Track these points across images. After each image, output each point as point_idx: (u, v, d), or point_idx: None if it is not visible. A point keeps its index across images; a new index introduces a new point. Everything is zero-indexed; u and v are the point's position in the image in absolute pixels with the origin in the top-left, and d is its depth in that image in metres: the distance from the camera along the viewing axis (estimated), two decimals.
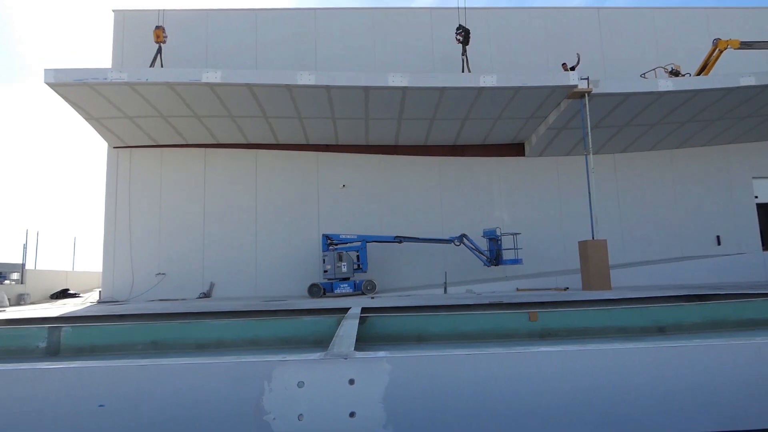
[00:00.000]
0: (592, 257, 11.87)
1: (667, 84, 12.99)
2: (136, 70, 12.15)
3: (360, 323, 4.51)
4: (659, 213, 16.54)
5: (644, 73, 15.00)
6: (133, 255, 14.89)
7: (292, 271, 15.02)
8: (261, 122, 14.11)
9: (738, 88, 12.96)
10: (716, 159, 16.89)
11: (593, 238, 12.38)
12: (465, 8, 15.58)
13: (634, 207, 16.50)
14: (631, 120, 14.48)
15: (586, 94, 12.67)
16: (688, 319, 4.84)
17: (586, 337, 4.62)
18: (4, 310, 11.00)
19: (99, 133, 14.42)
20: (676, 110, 14.02)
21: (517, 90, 12.63)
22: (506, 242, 14.42)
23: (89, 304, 12.98)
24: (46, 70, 11.49)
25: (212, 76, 11.75)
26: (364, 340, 4.36)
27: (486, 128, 15.06)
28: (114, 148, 15.21)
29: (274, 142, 15.52)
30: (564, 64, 14.27)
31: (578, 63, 13.69)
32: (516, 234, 14.41)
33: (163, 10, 14.75)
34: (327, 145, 15.92)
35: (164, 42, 14.01)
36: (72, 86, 11.73)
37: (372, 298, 11.34)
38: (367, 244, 14.07)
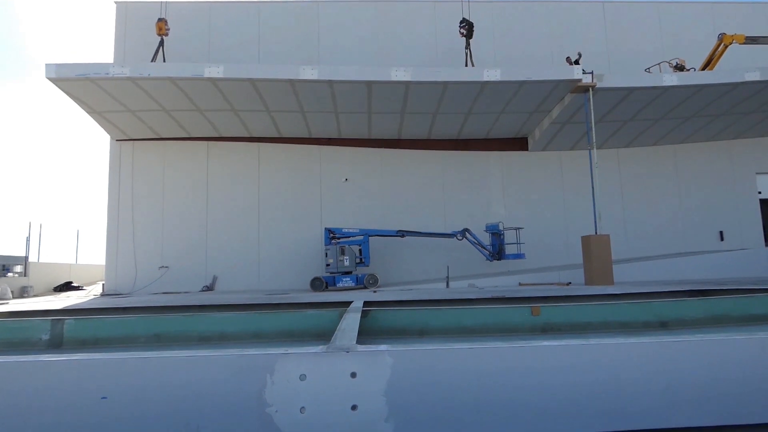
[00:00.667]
0: (595, 252, 11.85)
1: (671, 79, 12.90)
2: (138, 65, 12.11)
3: (362, 317, 4.52)
4: (662, 208, 16.49)
5: (649, 68, 14.89)
6: (136, 248, 14.93)
7: (294, 264, 15.05)
8: (264, 116, 14.09)
9: (743, 83, 12.87)
10: (720, 154, 16.80)
11: (596, 233, 12.36)
12: (469, 1, 15.47)
13: (637, 202, 16.44)
14: (635, 115, 14.40)
15: (590, 89, 12.60)
16: (691, 315, 4.83)
17: (589, 331, 4.62)
18: (7, 303, 11.07)
19: (101, 127, 14.42)
20: (681, 105, 13.94)
21: (521, 84, 12.56)
22: (509, 237, 14.40)
23: (92, 297, 13.04)
24: (47, 65, 11.46)
25: (214, 71, 11.71)
26: (366, 334, 4.36)
27: (489, 122, 15.01)
28: (116, 141, 15.22)
29: (277, 135, 15.51)
30: (568, 58, 14.18)
31: (580, 58, 13.61)
32: (518, 228, 14.39)
33: (166, 2, 14.68)
34: (329, 139, 15.90)
35: (166, 35, 13.96)
36: (74, 81, 11.71)
37: (374, 292, 11.36)
38: (370, 237, 14.07)
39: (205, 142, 15.58)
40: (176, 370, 2.19)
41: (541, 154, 16.34)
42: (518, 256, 14.01)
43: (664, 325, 4.76)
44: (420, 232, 14.37)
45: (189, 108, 13.42)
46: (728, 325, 4.82)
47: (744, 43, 14.13)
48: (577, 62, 13.49)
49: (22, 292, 14.99)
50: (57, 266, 18.46)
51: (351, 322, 3.49)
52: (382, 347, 2.35)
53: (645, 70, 14.75)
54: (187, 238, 15.15)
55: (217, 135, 15.40)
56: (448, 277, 13.45)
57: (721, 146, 16.81)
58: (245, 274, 15.02)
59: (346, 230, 14.07)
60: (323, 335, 3.95)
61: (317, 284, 13.19)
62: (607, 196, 15.47)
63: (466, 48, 14.43)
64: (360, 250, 13.86)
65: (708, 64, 14.38)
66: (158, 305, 7.53)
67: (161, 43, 13.87)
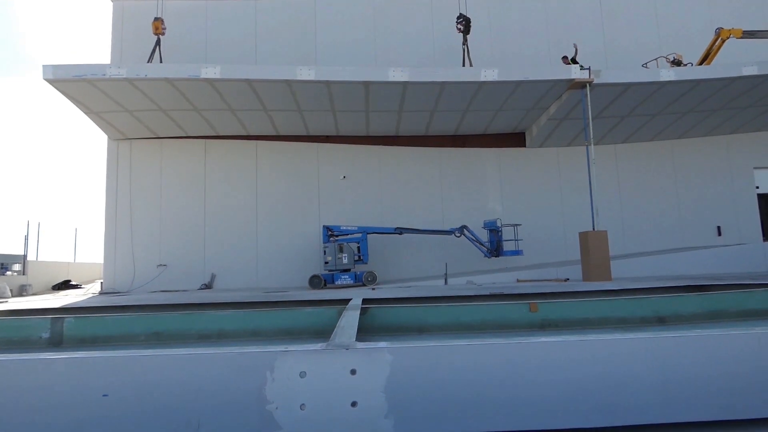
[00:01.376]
0: (593, 248, 11.89)
1: (668, 74, 12.92)
2: (135, 66, 12.09)
3: (361, 314, 4.53)
4: (660, 204, 16.53)
5: (646, 63, 14.91)
6: (134, 246, 14.92)
7: (293, 262, 15.06)
8: (261, 115, 14.07)
9: (740, 77, 12.90)
10: (717, 149, 16.84)
11: (594, 229, 12.39)
12: None
13: (634, 198, 16.48)
14: (633, 110, 14.42)
15: (588, 85, 12.61)
16: (688, 310, 4.85)
17: (587, 327, 4.64)
18: (6, 301, 11.05)
19: (99, 126, 14.38)
20: (678, 100, 13.96)
21: (518, 83, 12.57)
22: (507, 233, 14.43)
23: (91, 295, 13.04)
24: (44, 66, 11.43)
25: (211, 72, 11.69)
26: (366, 331, 4.38)
27: (487, 119, 15.02)
28: (114, 140, 15.19)
29: (275, 133, 15.49)
30: (564, 58, 14.19)
31: (576, 53, 13.60)
32: (516, 225, 14.42)
33: (162, 0, 14.62)
34: (327, 137, 15.88)
35: (163, 34, 13.92)
36: (71, 82, 11.69)
37: (373, 289, 11.38)
38: (368, 235, 14.09)
39: (202, 141, 15.55)
40: (177, 367, 2.19)
41: (538, 151, 16.36)
42: (516, 252, 14.04)
43: (661, 321, 4.79)
44: (418, 230, 14.39)
45: (186, 108, 13.39)
46: (726, 320, 4.84)
47: (741, 38, 14.14)
48: (573, 60, 13.49)
49: (21, 291, 14.99)
50: (55, 265, 18.45)
51: (350, 319, 3.50)
52: (382, 344, 2.36)
53: (642, 66, 14.76)
54: (185, 236, 15.14)
55: (214, 134, 15.37)
56: (446, 274, 13.48)
57: (718, 141, 16.84)
58: (243, 272, 15.02)
59: (345, 228, 14.08)
60: (322, 333, 3.96)
61: (316, 282, 13.20)
62: (605, 192, 15.50)
63: (464, 44, 14.40)
64: (358, 247, 13.87)
65: (705, 59, 14.40)
66: (157, 303, 7.53)
67: (158, 42, 13.82)
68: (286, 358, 2.20)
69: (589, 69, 12.69)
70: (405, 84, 12.31)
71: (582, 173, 13.80)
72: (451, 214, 15.63)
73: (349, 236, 14.01)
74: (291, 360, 2.21)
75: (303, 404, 2.13)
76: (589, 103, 12.69)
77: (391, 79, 12.15)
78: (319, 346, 2.33)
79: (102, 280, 15.18)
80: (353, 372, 2.24)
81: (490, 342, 2.37)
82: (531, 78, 12.41)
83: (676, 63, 14.46)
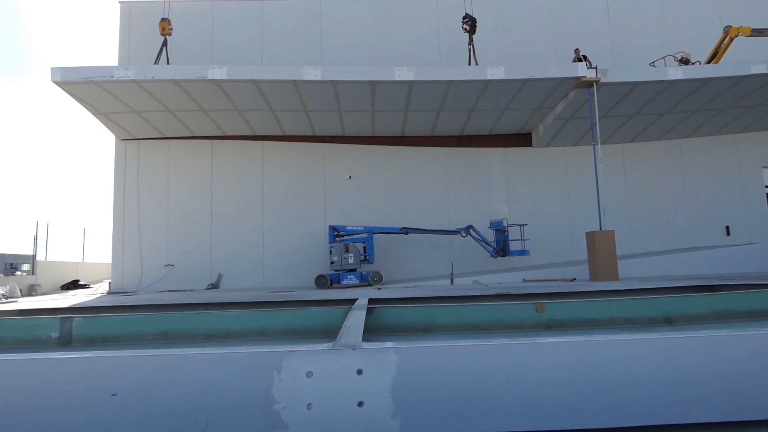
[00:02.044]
0: (600, 248, 11.82)
1: (676, 72, 12.82)
2: (142, 68, 12.18)
3: (367, 314, 4.53)
4: (668, 203, 16.40)
5: (653, 62, 14.79)
6: (141, 246, 15.02)
7: (299, 262, 15.10)
8: (267, 115, 14.12)
9: (749, 76, 12.77)
10: (726, 148, 16.68)
11: (601, 228, 12.32)
12: None
13: (642, 197, 16.37)
14: (640, 109, 14.32)
15: (595, 84, 12.54)
16: (697, 310, 4.81)
17: (593, 327, 4.62)
18: (16, 301, 11.17)
19: (106, 127, 14.49)
20: (686, 99, 13.85)
21: (524, 82, 12.53)
22: (513, 233, 14.38)
23: (99, 295, 13.15)
24: (52, 68, 11.51)
25: (218, 73, 11.75)
26: (372, 331, 4.38)
27: (493, 119, 14.98)
28: (122, 140, 15.30)
29: (281, 133, 15.54)
30: (577, 50, 14.11)
31: (587, 60, 13.52)
32: (523, 225, 14.36)
33: (169, 1, 14.71)
34: (333, 137, 15.91)
35: (170, 34, 13.99)
36: (79, 84, 11.79)
37: (379, 289, 11.39)
38: (374, 235, 14.09)
39: (209, 141, 15.63)
40: (185, 367, 2.21)
41: (545, 150, 16.29)
42: (522, 252, 13.99)
43: (669, 321, 4.76)
44: (424, 230, 14.38)
45: (193, 108, 13.46)
46: (734, 321, 4.80)
47: (750, 36, 13.99)
48: (585, 57, 13.44)
49: (30, 291, 15.14)
50: (64, 265, 18.62)
51: (356, 319, 3.51)
52: (388, 344, 2.37)
53: (650, 64, 14.65)
54: (192, 236, 15.23)
55: (221, 134, 15.44)
56: (452, 273, 13.45)
57: (727, 140, 16.68)
58: (250, 272, 15.08)
59: (351, 228, 14.10)
60: (329, 333, 3.97)
61: (322, 282, 13.23)
62: (612, 191, 15.40)
63: (469, 44, 14.37)
64: (364, 247, 13.88)
65: (713, 57, 14.26)
66: (165, 303, 7.58)
67: (165, 43, 13.90)
68: (292, 358, 2.21)
69: (596, 68, 12.62)
70: (411, 83, 12.31)
71: (589, 173, 13.73)
72: (457, 214, 15.60)
73: (355, 236, 14.02)
74: (298, 360, 2.22)
75: (310, 404, 2.14)
76: (596, 103, 12.61)
77: (397, 78, 12.15)
78: (325, 346, 2.34)
79: (110, 280, 15.30)
80: (360, 372, 2.25)
81: (497, 342, 2.37)
82: (537, 76, 12.35)
83: (684, 62, 14.34)
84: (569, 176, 16.23)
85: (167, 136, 15.34)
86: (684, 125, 15.64)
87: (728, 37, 13.98)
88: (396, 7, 16.35)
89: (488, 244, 14.22)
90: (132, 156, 15.36)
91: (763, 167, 16.74)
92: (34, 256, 16.53)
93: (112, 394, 2.16)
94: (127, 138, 15.21)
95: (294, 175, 15.73)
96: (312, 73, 11.98)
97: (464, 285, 12.24)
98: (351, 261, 13.43)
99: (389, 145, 16.06)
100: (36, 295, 14.72)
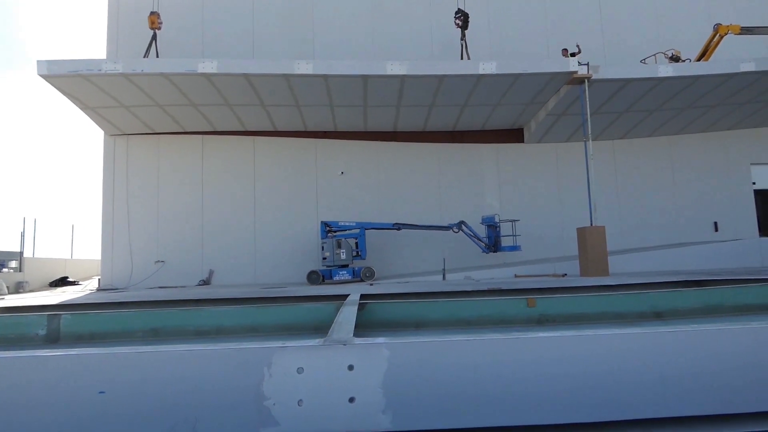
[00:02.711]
0: (591, 244, 11.91)
1: (667, 70, 12.92)
2: (131, 61, 12.02)
3: (359, 310, 4.52)
4: (657, 199, 16.56)
5: (644, 59, 14.89)
6: (131, 242, 14.89)
7: (291, 258, 15.06)
8: (258, 110, 14.02)
9: (738, 73, 12.90)
10: (715, 145, 16.87)
11: (591, 224, 12.41)
12: None
13: (632, 193, 16.51)
14: (631, 106, 14.42)
15: (586, 80, 12.60)
16: (685, 305, 4.86)
17: (584, 322, 4.65)
18: (3, 298, 11.03)
19: (95, 122, 14.31)
20: (676, 96, 13.96)
21: (516, 77, 12.55)
22: (505, 229, 14.44)
23: (88, 292, 13.02)
24: (38, 61, 11.32)
25: (208, 67, 11.64)
26: (363, 327, 4.37)
27: (485, 114, 15.01)
28: (110, 135, 15.12)
29: (272, 129, 15.45)
30: (565, 50, 14.15)
31: (579, 52, 13.58)
32: (514, 221, 14.43)
33: None
34: (325, 132, 15.86)
35: (159, 28, 13.82)
36: (66, 77, 11.61)
37: (371, 284, 11.40)
38: (366, 231, 14.09)
39: (199, 136, 15.50)
40: (174, 364, 2.19)
41: (536, 146, 16.36)
42: (514, 248, 14.06)
43: (658, 316, 4.80)
44: (416, 225, 14.39)
45: (183, 103, 13.33)
46: (722, 315, 4.86)
47: (739, 34, 14.13)
48: (574, 55, 13.47)
49: (18, 288, 14.95)
50: (52, 261, 18.40)
51: (348, 315, 3.50)
52: (380, 340, 2.36)
53: (641, 62, 14.75)
54: (183, 232, 15.12)
55: (211, 129, 15.32)
56: (444, 269, 13.49)
57: (716, 137, 16.87)
58: (241, 268, 15.02)
59: (343, 223, 14.07)
60: (320, 329, 3.96)
61: (314, 278, 13.21)
62: (603, 187, 15.51)
63: (462, 39, 14.36)
64: (356, 243, 13.87)
65: (703, 55, 14.39)
66: (155, 300, 7.52)
67: (154, 37, 13.73)
68: (283, 354, 2.20)
69: (587, 64, 12.67)
70: (403, 77, 12.28)
71: (580, 169, 13.81)
72: (449, 209, 15.63)
73: (347, 232, 14.01)
74: (288, 356, 2.20)
75: (301, 400, 2.13)
76: (587, 99, 12.67)
77: (389, 72, 12.11)
78: (316, 341, 2.32)
79: (99, 277, 15.15)
80: (351, 368, 2.24)
81: (488, 337, 2.37)
82: (529, 71, 12.38)
83: (675, 59, 14.45)
84: (560, 172, 16.32)
85: (157, 132, 15.18)
86: (674, 122, 15.78)
87: (718, 35, 14.10)
88: (388, 2, 16.28)
89: (480, 240, 14.27)
90: (121, 151, 15.19)
91: (751, 164, 16.96)
92: (21, 253, 16.32)
93: (100, 392, 2.13)
94: (116, 133, 15.03)
95: (286, 170, 15.66)
96: (304, 67, 11.91)
97: (456, 280, 12.28)
98: (343, 257, 13.43)
99: (381, 140, 16.04)
100: (23, 292, 14.55)
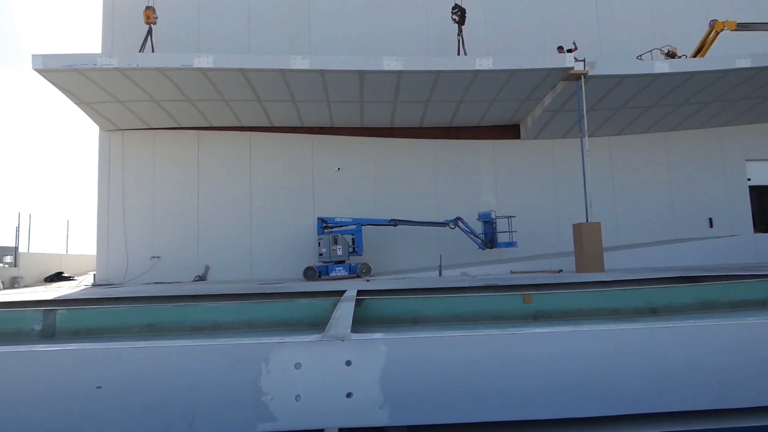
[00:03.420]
0: (586, 240, 11.95)
1: (663, 66, 12.94)
2: (126, 56, 11.93)
3: (356, 306, 4.53)
4: (653, 196, 16.63)
5: (640, 55, 14.91)
6: (127, 238, 14.83)
7: (287, 253, 15.05)
8: (254, 105, 13.96)
9: (734, 70, 12.93)
10: (710, 142, 16.93)
11: (587, 220, 12.45)
12: None
13: (628, 190, 16.57)
14: (627, 102, 14.44)
15: (582, 77, 12.61)
16: (681, 301, 4.90)
17: (580, 318, 4.68)
18: None
19: (90, 117, 14.21)
20: (672, 92, 13.99)
21: (513, 73, 12.54)
22: (501, 225, 14.47)
23: (84, 287, 12.97)
24: (33, 56, 11.25)
25: (204, 61, 11.57)
26: (361, 323, 4.38)
27: (482, 110, 15.00)
28: (105, 131, 15.02)
29: (268, 124, 15.40)
30: (560, 47, 14.14)
31: (575, 49, 13.57)
32: (511, 217, 14.45)
33: None
34: (321, 128, 15.81)
35: (154, 23, 13.71)
36: (61, 72, 11.52)
37: (367, 281, 11.40)
38: (362, 227, 14.08)
39: (195, 132, 15.43)
40: (171, 359, 2.19)
41: (533, 143, 16.37)
42: (510, 244, 14.09)
43: (654, 312, 4.84)
44: (412, 221, 14.40)
45: (178, 98, 13.25)
46: (718, 311, 4.89)
47: (736, 30, 14.16)
48: (570, 51, 13.47)
49: (13, 283, 14.88)
50: (47, 257, 18.32)
51: (345, 310, 3.50)
52: (377, 335, 2.37)
53: (637, 58, 14.77)
54: (179, 227, 15.06)
55: (207, 124, 15.25)
56: (440, 265, 13.52)
57: (711, 133, 16.92)
58: (238, 264, 14.99)
59: (339, 219, 14.06)
60: (317, 324, 3.96)
61: (310, 273, 13.20)
62: (599, 184, 15.55)
63: (459, 35, 14.33)
64: (353, 239, 13.87)
65: (699, 51, 14.42)
66: (151, 295, 7.50)
67: (149, 32, 13.62)
68: (281, 350, 2.20)
69: (584, 61, 12.68)
70: (400, 73, 12.25)
71: (576, 165, 13.83)
72: (445, 205, 15.65)
73: (344, 228, 14.00)
74: (286, 351, 2.21)
75: (298, 395, 2.14)
76: (583, 95, 12.69)
77: (385, 68, 12.08)
78: (314, 337, 2.33)
79: (95, 272, 15.09)
80: (348, 363, 2.25)
81: (484, 333, 2.38)
82: (526, 67, 12.37)
83: (671, 55, 14.47)
84: (557, 168, 16.35)
85: (152, 127, 15.10)
86: (670, 118, 15.82)
87: (714, 31, 14.13)
88: None
89: (476, 236, 14.29)
90: (116, 147, 15.10)
91: (746, 160, 17.03)
92: (16, 248, 16.23)
93: (97, 387, 2.13)
94: (111, 129, 14.94)
95: (282, 166, 15.61)
96: (300, 63, 11.86)
97: (453, 276, 12.31)
98: (339, 253, 13.42)
99: (378, 136, 16.01)
100: (18, 287, 14.48)
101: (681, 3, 16.91)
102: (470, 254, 14.96)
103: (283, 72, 12.01)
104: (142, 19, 13.58)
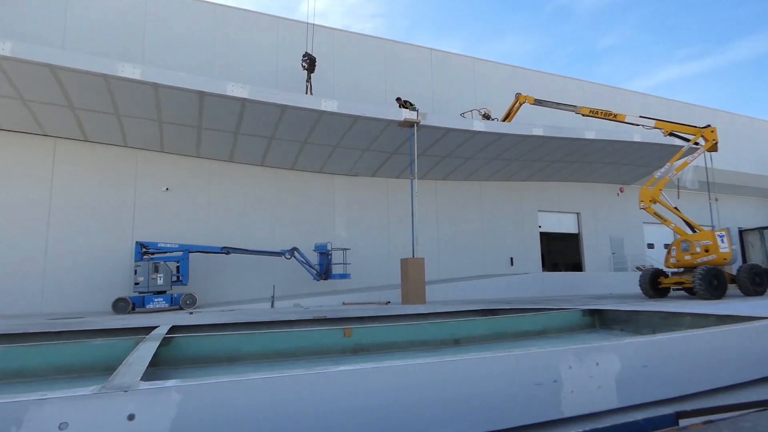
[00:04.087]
0: (411, 274, 12.87)
1: (479, 125, 15.01)
2: None
3: (164, 345, 4.11)
4: (469, 236, 18.89)
5: (464, 113, 17.09)
6: None
7: (95, 282, 13.07)
8: (65, 112, 12.08)
9: (531, 136, 15.65)
10: (513, 193, 20.06)
11: (413, 255, 13.47)
12: (312, 24, 15.83)
13: (449, 229, 18.54)
14: (451, 152, 16.33)
15: (415, 125, 13.88)
16: (478, 332, 5.59)
17: (394, 350, 4.98)
18: None
19: None
20: (486, 148, 16.28)
21: (356, 119, 13.19)
22: (336, 257, 14.79)
23: None
24: None
25: None
26: (166, 364, 3.97)
27: (325, 155, 15.34)
28: None
29: (81, 137, 13.43)
30: (398, 99, 15.49)
31: (416, 109, 14.72)
32: (345, 249, 14.90)
33: None
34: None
35: None
36: None
37: (191, 313, 10.49)
38: (191, 254, 13.04)
39: None
40: None
41: (369, 179, 17.33)
42: (344, 276, 14.47)
43: (457, 342, 5.41)
44: (247, 250, 13.86)
45: None
46: (506, 341, 5.69)
47: (533, 104, 17.18)
48: (406, 104, 14.81)
49: None
50: None
51: (143, 352, 3.14)
52: (170, 383, 2.17)
53: (461, 115, 16.88)
54: None
55: None
56: (273, 296, 13.18)
57: (514, 186, 20.08)
58: (23, 294, 12.42)
59: (163, 245, 12.80)
60: (113, 369, 3.48)
61: (121, 306, 11.65)
62: (425, 222, 17.10)
63: (307, 81, 14.73)
64: (178, 267, 12.74)
65: (507, 116, 17.09)
66: None
67: None
68: (41, 409, 1.86)
69: (417, 110, 14.03)
70: (244, 101, 11.90)
71: (407, 204, 15.01)
72: (284, 235, 15.45)
73: (168, 254, 12.77)
74: (48, 410, 1.87)
75: None
76: (415, 141, 13.95)
77: (229, 93, 11.62)
78: (89, 390, 2.02)
79: None
80: (131, 417, 2.00)
81: (288, 374, 2.36)
82: (367, 114, 13.14)
83: (486, 116, 16.89)
84: (390, 206, 17.51)
85: None
86: (483, 170, 18.33)
87: (518, 102, 16.93)
88: (234, 16, 15.83)
89: (312, 267, 14.35)
90: None
91: (539, 211, 20.55)
92: None
93: None
94: None
95: (95, 180, 13.68)
96: (130, 71, 10.73)
97: (285, 308, 12.06)
98: (160, 282, 12.16)
99: (217, 160, 15.20)
100: None
101: (497, 74, 20.03)
102: (305, 285, 14.94)
103: (106, 78, 10.70)
104: None
